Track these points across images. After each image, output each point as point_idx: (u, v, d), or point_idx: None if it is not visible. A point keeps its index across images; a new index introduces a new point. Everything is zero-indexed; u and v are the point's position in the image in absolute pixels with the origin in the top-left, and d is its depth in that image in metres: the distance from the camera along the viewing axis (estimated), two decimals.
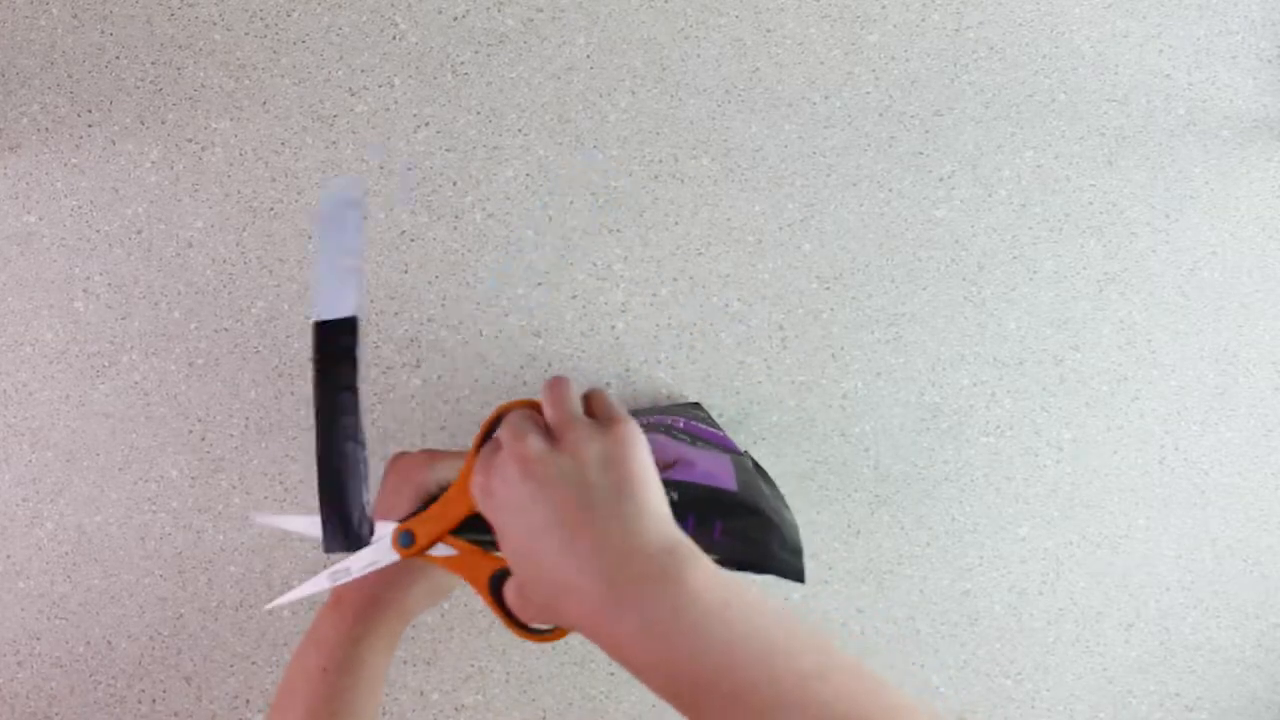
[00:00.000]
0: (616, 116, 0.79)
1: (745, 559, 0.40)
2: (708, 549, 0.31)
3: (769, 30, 0.80)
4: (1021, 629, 0.78)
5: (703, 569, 0.27)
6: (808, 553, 0.78)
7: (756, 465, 0.70)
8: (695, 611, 0.26)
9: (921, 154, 0.79)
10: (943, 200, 0.79)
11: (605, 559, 0.28)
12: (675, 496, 0.38)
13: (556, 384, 0.33)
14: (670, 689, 0.26)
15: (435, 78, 0.79)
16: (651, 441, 0.50)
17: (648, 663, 0.26)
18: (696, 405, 0.75)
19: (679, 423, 0.64)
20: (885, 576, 0.78)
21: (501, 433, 0.32)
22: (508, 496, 0.30)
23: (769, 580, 0.75)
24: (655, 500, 0.30)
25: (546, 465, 0.30)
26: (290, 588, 0.77)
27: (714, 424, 0.71)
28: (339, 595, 0.40)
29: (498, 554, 0.36)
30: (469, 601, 0.77)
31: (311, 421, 0.77)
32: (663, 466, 0.43)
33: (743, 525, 0.41)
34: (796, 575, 0.41)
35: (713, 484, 0.44)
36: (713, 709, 0.25)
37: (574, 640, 0.77)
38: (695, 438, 0.57)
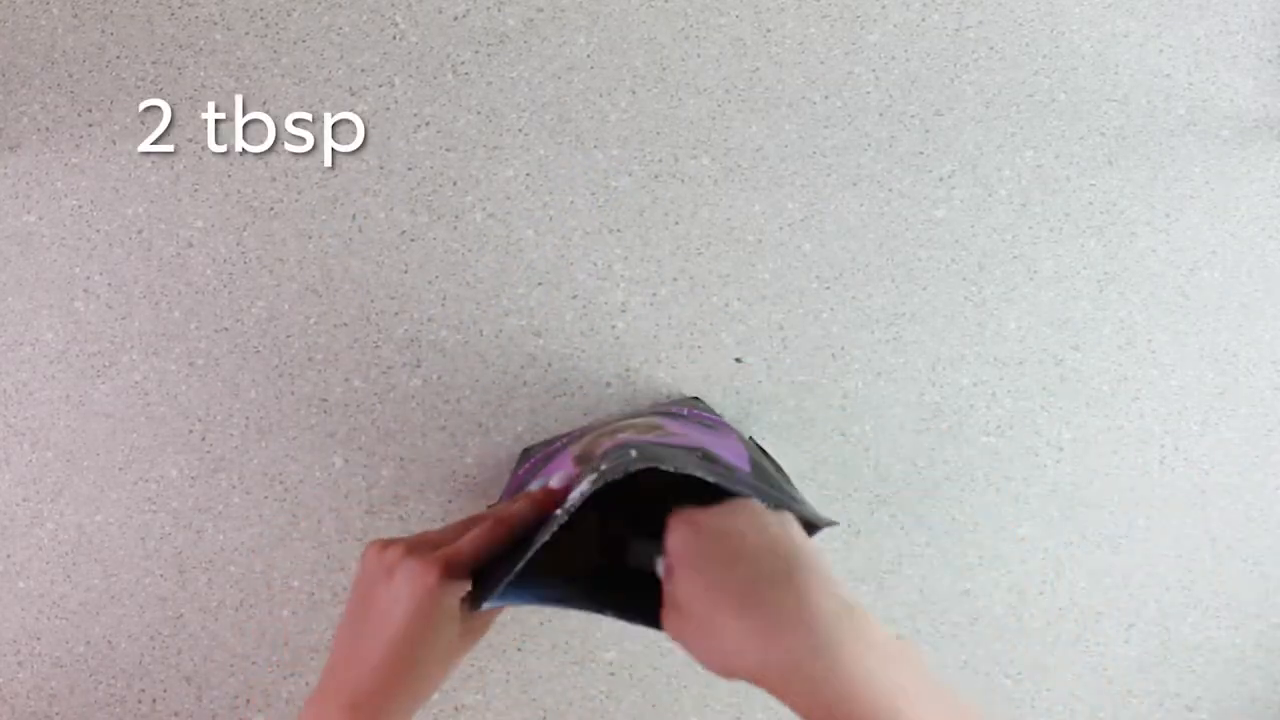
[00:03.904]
0: (616, 116, 0.79)
1: None
2: None
3: (769, 30, 0.80)
4: (1021, 629, 0.78)
5: (878, 627, 0.31)
6: None
7: (762, 450, 0.70)
8: (874, 660, 0.29)
9: (921, 154, 0.79)
10: (943, 200, 0.79)
11: (819, 604, 0.31)
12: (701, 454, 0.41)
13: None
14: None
15: (435, 78, 0.79)
16: (681, 428, 0.51)
17: (819, 701, 0.29)
18: (696, 399, 0.76)
19: (683, 410, 0.65)
20: (885, 576, 0.78)
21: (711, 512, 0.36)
22: (738, 546, 0.34)
23: None
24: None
25: (766, 522, 0.36)
26: (290, 588, 0.77)
27: (715, 414, 0.72)
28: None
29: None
30: None
31: (311, 421, 0.78)
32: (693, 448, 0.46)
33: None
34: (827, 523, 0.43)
35: (738, 463, 0.46)
36: None
37: (574, 640, 0.77)
38: (706, 425, 0.58)
